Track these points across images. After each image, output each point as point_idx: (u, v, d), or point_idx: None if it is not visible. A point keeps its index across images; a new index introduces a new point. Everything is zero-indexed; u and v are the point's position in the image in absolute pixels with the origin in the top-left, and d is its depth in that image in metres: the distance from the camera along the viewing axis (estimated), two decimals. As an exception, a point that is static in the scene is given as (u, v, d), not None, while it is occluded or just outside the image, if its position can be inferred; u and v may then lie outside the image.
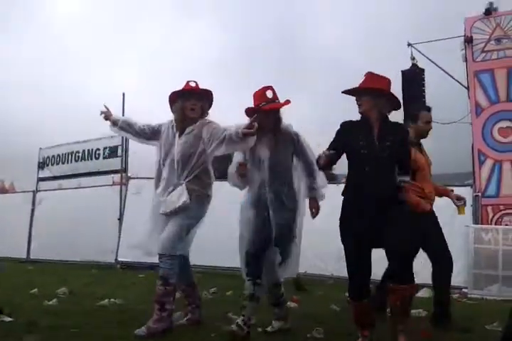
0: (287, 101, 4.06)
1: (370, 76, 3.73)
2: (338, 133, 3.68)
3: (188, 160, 3.99)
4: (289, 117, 4.18)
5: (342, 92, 3.75)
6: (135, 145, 11.16)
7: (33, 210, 12.19)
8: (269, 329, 4.00)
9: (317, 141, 4.32)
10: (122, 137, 11.07)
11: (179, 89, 4.12)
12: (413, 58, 10.43)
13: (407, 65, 10.57)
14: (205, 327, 4.01)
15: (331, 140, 3.66)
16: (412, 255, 3.58)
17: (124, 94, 11.03)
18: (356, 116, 3.72)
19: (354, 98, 3.71)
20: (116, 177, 11.52)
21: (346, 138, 3.62)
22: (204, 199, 4.03)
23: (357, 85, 3.70)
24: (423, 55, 10.57)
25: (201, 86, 4.15)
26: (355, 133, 3.61)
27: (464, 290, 7.98)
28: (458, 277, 8.26)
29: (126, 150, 11.27)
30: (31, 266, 10.27)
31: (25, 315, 4.15)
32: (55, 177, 12.80)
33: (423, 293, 6.42)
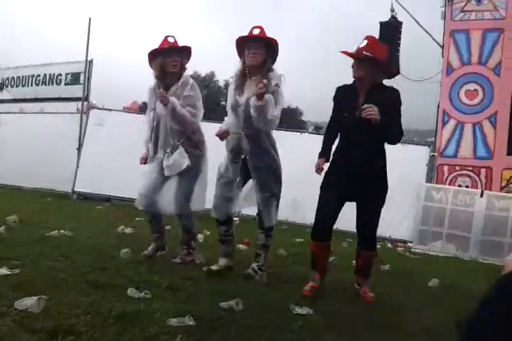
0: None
1: (373, 41, 3.69)
2: (334, 98, 3.86)
3: None
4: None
5: (342, 52, 3.69)
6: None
7: (-9, 132, 11.82)
8: (213, 267, 4.08)
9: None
10: (85, 63, 10.75)
11: (159, 46, 4.20)
12: (393, 10, 10.25)
13: (386, 17, 10.41)
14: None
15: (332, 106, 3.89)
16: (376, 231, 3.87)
17: (90, 19, 10.59)
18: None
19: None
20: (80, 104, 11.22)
21: (338, 105, 3.82)
22: (200, 159, 4.35)
23: (357, 46, 3.65)
24: (403, 8, 10.38)
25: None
26: (343, 101, 3.75)
27: (408, 244, 8.33)
28: (405, 231, 8.61)
29: (89, 78, 10.89)
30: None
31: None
32: (15, 100, 12.35)
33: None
